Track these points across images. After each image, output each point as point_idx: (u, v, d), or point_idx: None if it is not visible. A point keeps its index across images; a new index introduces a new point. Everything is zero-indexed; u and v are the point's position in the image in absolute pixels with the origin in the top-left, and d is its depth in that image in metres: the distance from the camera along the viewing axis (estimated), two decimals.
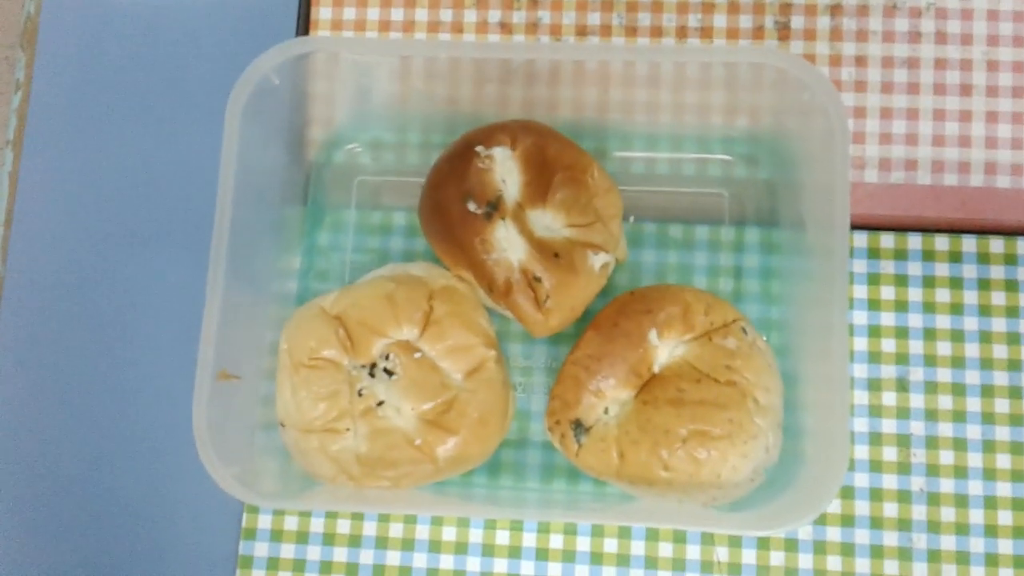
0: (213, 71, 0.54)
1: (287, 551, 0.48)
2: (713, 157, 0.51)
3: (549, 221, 0.46)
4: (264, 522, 0.49)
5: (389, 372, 0.45)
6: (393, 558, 0.48)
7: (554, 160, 0.46)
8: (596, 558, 0.47)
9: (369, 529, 0.48)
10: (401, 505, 0.44)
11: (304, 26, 0.55)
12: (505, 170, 0.46)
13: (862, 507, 0.47)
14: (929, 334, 0.48)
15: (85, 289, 0.53)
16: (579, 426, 0.44)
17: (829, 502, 0.39)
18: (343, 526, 0.48)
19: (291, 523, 0.49)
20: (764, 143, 0.50)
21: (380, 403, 0.44)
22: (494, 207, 0.45)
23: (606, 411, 0.44)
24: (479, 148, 0.46)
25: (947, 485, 0.47)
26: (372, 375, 0.45)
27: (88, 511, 0.51)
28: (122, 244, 0.53)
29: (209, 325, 0.42)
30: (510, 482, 0.48)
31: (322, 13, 0.54)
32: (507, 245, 0.45)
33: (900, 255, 0.49)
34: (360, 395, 0.44)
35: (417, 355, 0.45)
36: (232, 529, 0.49)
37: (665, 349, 0.45)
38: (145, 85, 0.55)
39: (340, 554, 0.48)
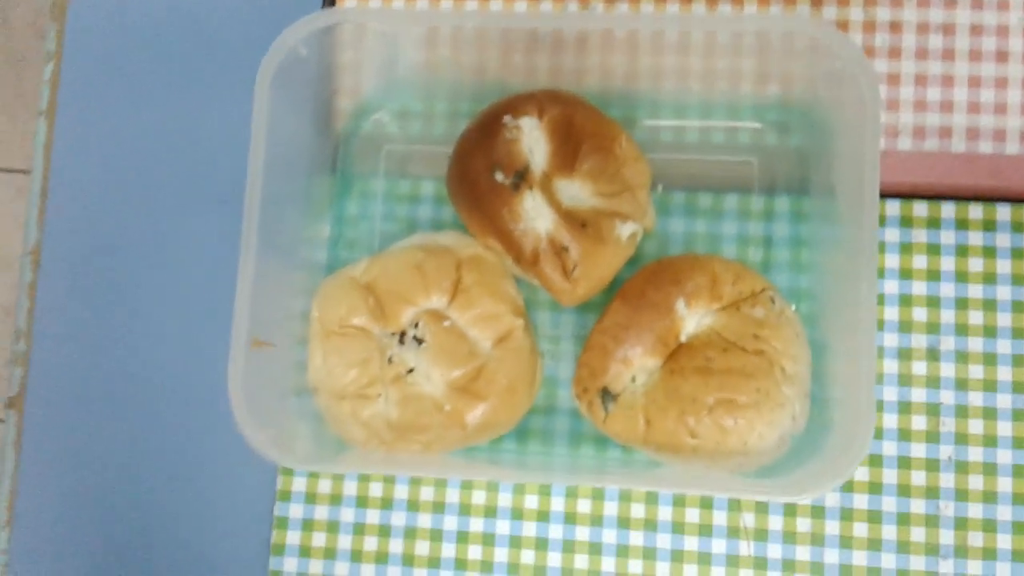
0: (242, 42, 0.54)
1: (321, 512, 0.50)
2: (743, 125, 0.50)
3: (576, 191, 0.46)
4: (299, 484, 0.50)
5: (419, 340, 0.45)
6: (424, 520, 0.49)
7: (581, 129, 0.46)
8: (623, 523, 0.48)
9: (400, 492, 0.49)
10: (432, 469, 0.45)
11: None
12: (532, 140, 0.46)
13: (890, 475, 0.47)
14: (961, 303, 0.48)
15: (120, 258, 0.54)
16: (607, 394, 0.45)
17: (855, 469, 0.39)
18: (375, 489, 0.49)
19: (324, 486, 0.50)
20: (795, 110, 0.49)
21: (410, 370, 0.45)
22: (521, 177, 0.45)
23: (633, 379, 0.45)
24: (506, 118, 0.46)
25: (976, 454, 0.47)
26: (402, 343, 0.45)
27: (126, 475, 0.52)
28: (155, 213, 0.54)
29: (243, 293, 0.43)
30: (538, 448, 0.49)
31: None
32: (535, 215, 0.45)
33: (933, 224, 0.48)
34: (390, 362, 0.45)
35: (446, 323, 0.45)
36: (268, 491, 0.51)
37: (693, 319, 0.45)
38: (175, 56, 0.55)
39: (373, 516, 0.49)
